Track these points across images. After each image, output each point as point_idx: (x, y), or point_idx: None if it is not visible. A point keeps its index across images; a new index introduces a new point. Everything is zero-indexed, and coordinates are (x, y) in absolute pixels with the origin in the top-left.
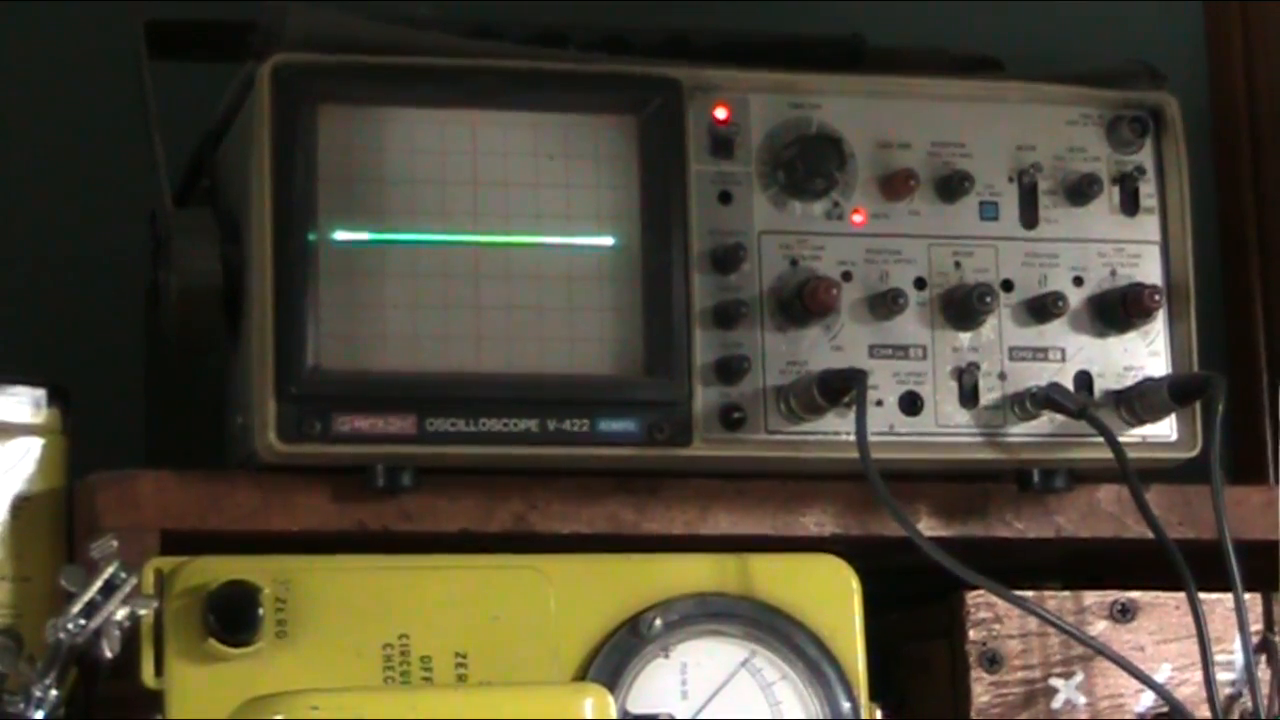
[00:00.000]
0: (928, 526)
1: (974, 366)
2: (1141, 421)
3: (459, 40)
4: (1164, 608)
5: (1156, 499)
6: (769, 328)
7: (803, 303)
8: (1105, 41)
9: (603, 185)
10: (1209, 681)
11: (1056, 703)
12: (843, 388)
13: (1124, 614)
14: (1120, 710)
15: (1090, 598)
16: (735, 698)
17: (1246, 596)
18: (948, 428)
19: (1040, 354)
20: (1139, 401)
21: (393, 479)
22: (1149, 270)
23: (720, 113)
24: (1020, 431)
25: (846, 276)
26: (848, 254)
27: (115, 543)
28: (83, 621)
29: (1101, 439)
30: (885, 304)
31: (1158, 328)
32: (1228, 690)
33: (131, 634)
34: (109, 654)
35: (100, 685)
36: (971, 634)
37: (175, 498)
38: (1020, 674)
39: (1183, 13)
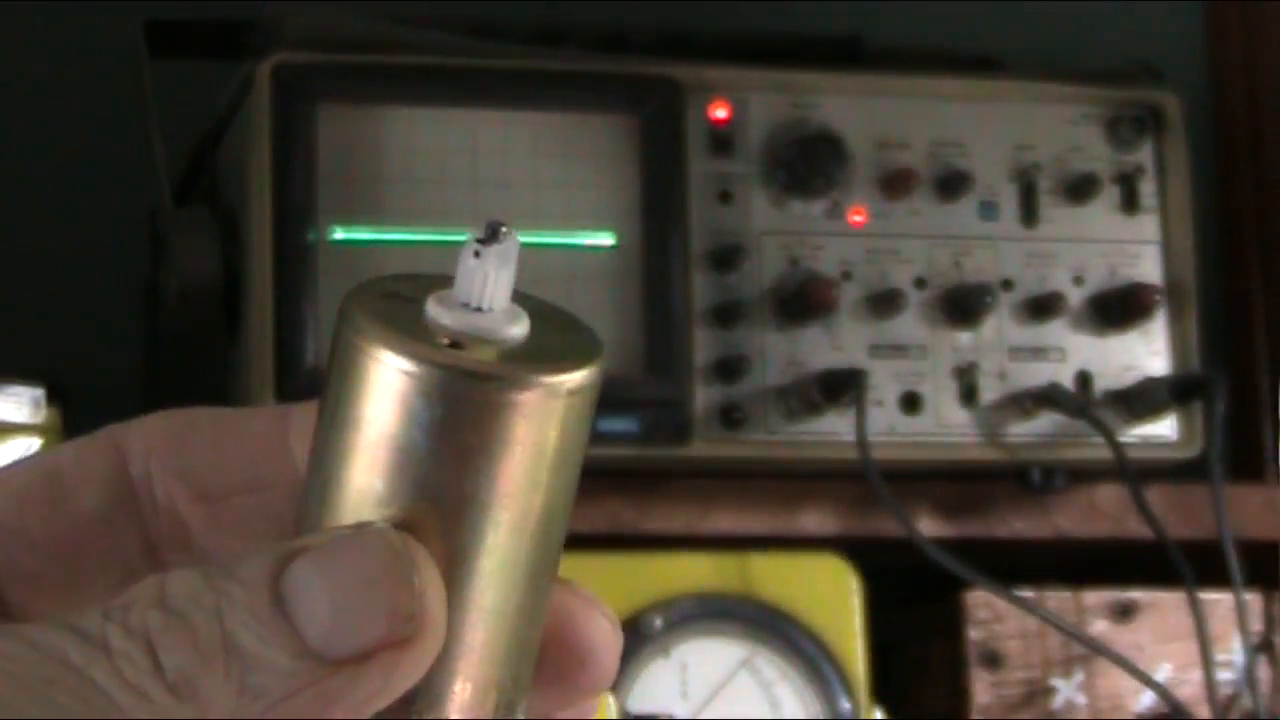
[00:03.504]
0: (928, 526)
1: (974, 366)
2: (1141, 421)
3: (459, 39)
4: (1164, 607)
5: (1156, 498)
6: (769, 327)
7: (803, 302)
8: (1105, 41)
9: (603, 185)
10: (1209, 681)
11: (1056, 702)
12: (843, 387)
13: (1124, 614)
14: (1120, 710)
15: (1090, 598)
16: (735, 698)
17: (1246, 596)
18: (947, 427)
19: (1040, 353)
20: (1139, 401)
21: None
22: (1149, 269)
23: (720, 112)
24: (1020, 431)
25: (846, 276)
26: (848, 253)
27: None
28: None
29: (1101, 438)
30: (885, 303)
31: (1158, 327)
32: (1227, 690)
33: None
34: None
35: None
36: (971, 634)
37: None
38: (1020, 674)
39: (1183, 13)
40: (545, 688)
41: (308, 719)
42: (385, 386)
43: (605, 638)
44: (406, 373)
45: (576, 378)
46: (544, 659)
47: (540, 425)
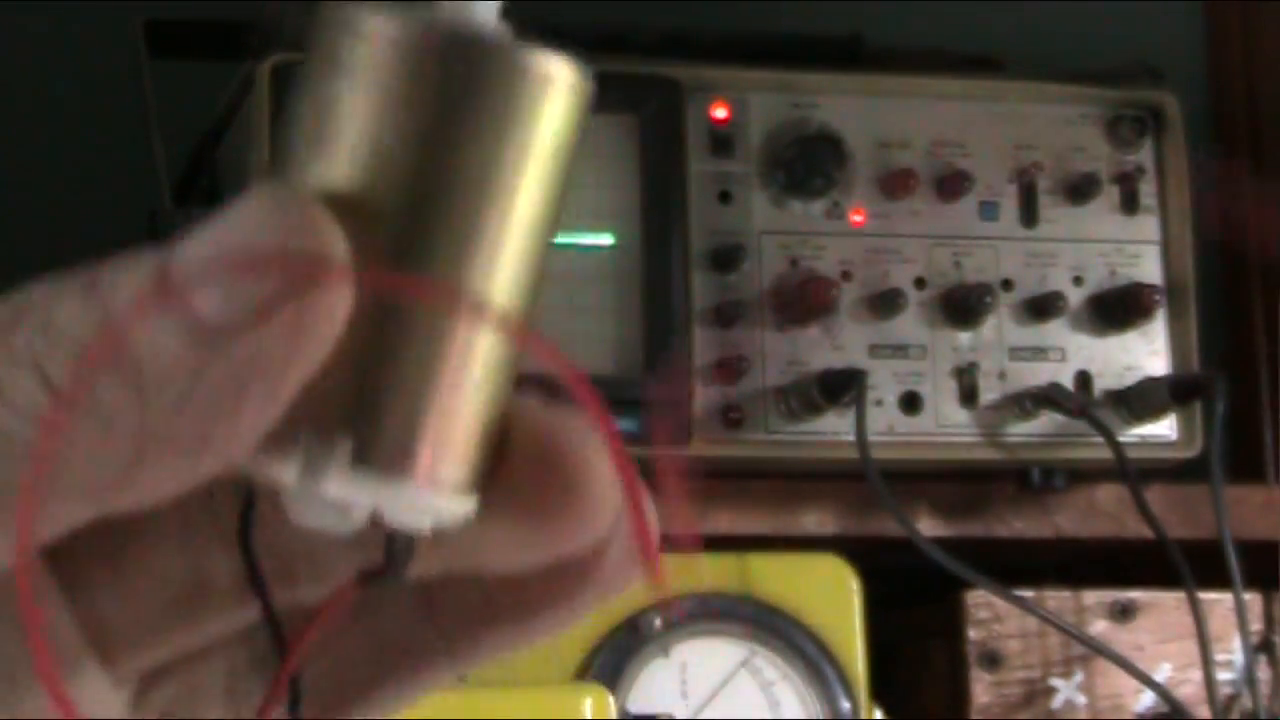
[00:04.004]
0: (927, 526)
1: (974, 366)
2: (1141, 421)
3: None
4: (1164, 607)
5: (1156, 498)
6: (769, 327)
7: (803, 302)
8: (1105, 41)
9: (602, 184)
10: (1209, 681)
11: (1056, 702)
12: (843, 387)
13: (1124, 614)
14: (1120, 710)
15: (1090, 597)
16: (735, 697)
17: (1246, 596)
18: (947, 427)
19: (1040, 353)
20: (1139, 401)
21: None
22: (1149, 270)
23: (720, 112)
24: (1020, 431)
25: (846, 276)
26: (848, 254)
27: None
28: None
29: (1101, 438)
30: (885, 304)
31: (1157, 327)
32: (1227, 690)
33: None
34: None
35: None
36: (971, 634)
37: None
38: (1020, 674)
39: (1183, 13)
40: (518, 524)
41: (225, 405)
42: (376, 52)
43: (592, 453)
44: (400, 33)
45: (573, 74)
46: (513, 480)
47: (529, 110)
